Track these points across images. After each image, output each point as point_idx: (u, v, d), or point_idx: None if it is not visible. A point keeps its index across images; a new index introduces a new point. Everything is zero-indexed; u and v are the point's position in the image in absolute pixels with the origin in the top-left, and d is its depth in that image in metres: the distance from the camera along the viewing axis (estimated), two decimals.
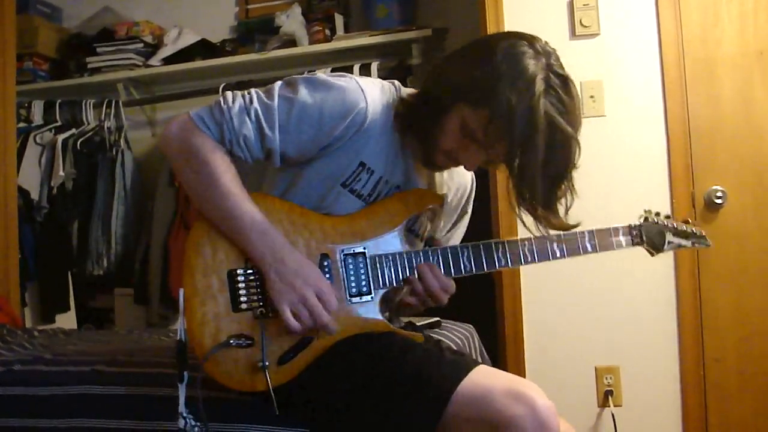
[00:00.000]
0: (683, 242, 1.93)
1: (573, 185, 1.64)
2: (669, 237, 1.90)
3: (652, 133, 3.08)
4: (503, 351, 3.13)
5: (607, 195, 3.06)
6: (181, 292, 1.56)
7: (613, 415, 3.04)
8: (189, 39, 4.14)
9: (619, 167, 3.09)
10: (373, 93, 1.69)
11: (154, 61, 4.15)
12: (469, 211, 2.05)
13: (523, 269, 3.11)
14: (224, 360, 1.58)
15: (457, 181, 1.97)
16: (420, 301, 1.75)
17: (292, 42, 3.93)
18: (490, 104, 1.54)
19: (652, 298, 3.06)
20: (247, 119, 1.63)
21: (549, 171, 1.57)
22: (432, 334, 2.20)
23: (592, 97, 3.11)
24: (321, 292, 1.59)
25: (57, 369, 1.98)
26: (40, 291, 4.04)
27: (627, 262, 2.95)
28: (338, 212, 1.73)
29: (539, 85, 1.54)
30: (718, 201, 3.04)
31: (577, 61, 3.12)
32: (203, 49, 4.13)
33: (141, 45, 4.19)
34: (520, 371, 3.06)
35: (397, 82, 1.81)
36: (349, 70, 3.72)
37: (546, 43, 1.66)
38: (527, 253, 1.78)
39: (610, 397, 3.06)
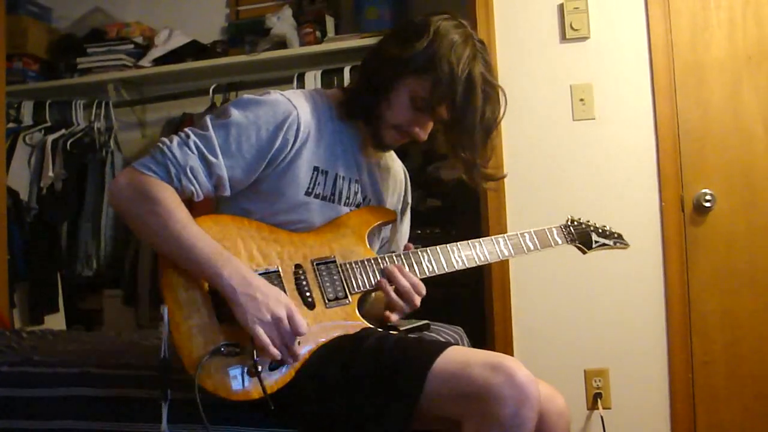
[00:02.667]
0: (606, 242, 2.18)
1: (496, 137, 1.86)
2: (594, 237, 2.15)
3: (642, 136, 3.09)
4: None
5: (597, 198, 3.07)
6: (165, 309, 1.56)
7: (602, 418, 3.05)
8: (179, 40, 4.13)
9: (608, 170, 3.10)
10: (299, 100, 1.79)
11: (145, 62, 4.14)
12: (410, 202, 2.20)
13: (513, 272, 3.12)
14: (216, 371, 1.58)
15: (394, 176, 2.11)
16: (394, 305, 1.80)
17: (282, 44, 3.93)
18: (433, 71, 1.74)
19: (641, 300, 3.07)
20: (188, 151, 1.66)
21: (485, 123, 1.77)
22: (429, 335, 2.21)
23: (582, 100, 3.12)
24: (291, 312, 1.59)
25: (45, 370, 1.98)
26: (29, 292, 4.02)
27: (616, 265, 2.96)
28: (312, 221, 1.82)
29: (470, 50, 1.77)
30: (707, 204, 3.05)
31: (567, 65, 3.15)
32: (194, 50, 4.12)
33: (131, 46, 4.18)
34: None
35: (319, 88, 1.92)
36: (339, 72, 3.73)
37: (459, 16, 1.88)
38: (479, 254, 1.93)
39: (599, 400, 3.07)
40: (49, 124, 4.19)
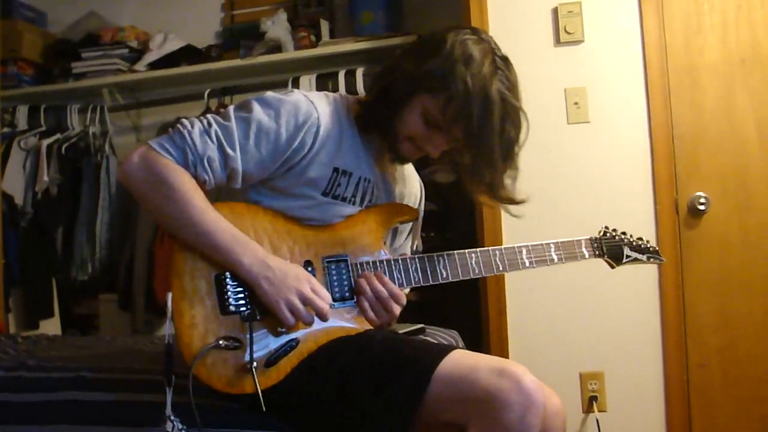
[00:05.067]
0: (639, 257, 2.07)
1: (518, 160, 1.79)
2: (627, 251, 2.05)
3: (636, 139, 3.10)
4: None
5: (592, 202, 3.08)
6: (169, 296, 1.56)
7: (597, 421, 3.05)
8: (174, 44, 4.14)
9: (603, 173, 3.11)
10: (321, 103, 1.78)
11: (140, 66, 4.14)
12: (422, 214, 2.14)
13: (508, 275, 3.11)
14: (213, 362, 1.58)
15: (409, 189, 2.08)
16: (364, 311, 1.77)
17: (277, 48, 3.93)
18: (447, 89, 1.69)
19: (636, 303, 3.08)
20: (209, 140, 1.66)
21: (503, 143, 1.71)
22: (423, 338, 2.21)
23: (576, 103, 3.12)
24: (313, 285, 1.63)
25: (41, 375, 1.97)
26: (23, 297, 4.02)
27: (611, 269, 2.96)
28: (328, 221, 1.79)
29: (488, 66, 1.71)
30: (702, 207, 3.06)
31: (561, 68, 3.15)
32: (188, 54, 4.12)
33: (126, 50, 4.18)
34: None
35: (343, 92, 1.88)
36: (334, 76, 3.73)
37: (484, 31, 1.85)
38: (498, 262, 1.88)
39: (594, 403, 3.07)
40: (44, 128, 4.19)
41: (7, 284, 3.76)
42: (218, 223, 1.62)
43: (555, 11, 3.16)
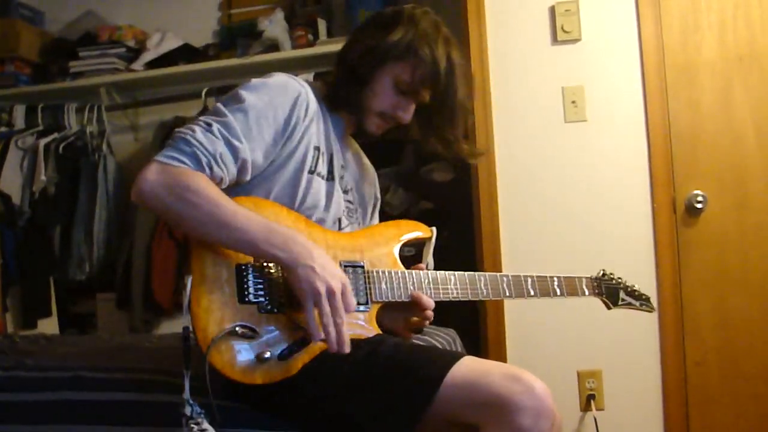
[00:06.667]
0: (633, 302, 2.22)
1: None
2: (622, 295, 2.18)
3: (633, 138, 3.10)
4: (485, 355, 3.13)
5: (589, 199, 3.08)
6: (188, 279, 1.55)
7: (595, 419, 3.06)
8: (172, 43, 4.13)
9: (600, 172, 3.11)
10: (301, 81, 1.85)
11: (137, 65, 4.13)
12: (380, 199, 2.24)
13: (505, 272, 3.11)
14: (227, 349, 1.56)
15: (368, 170, 2.16)
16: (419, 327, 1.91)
17: (274, 47, 3.93)
18: (415, 54, 1.83)
19: None
20: (214, 138, 1.65)
21: (464, 101, 1.90)
22: (413, 340, 2.21)
23: (573, 102, 3.13)
24: (345, 289, 1.59)
25: (38, 375, 1.97)
26: (21, 296, 4.02)
27: (608, 267, 2.96)
28: (312, 198, 1.82)
29: (442, 34, 1.87)
30: (699, 206, 3.06)
31: (558, 67, 3.15)
32: (186, 53, 4.12)
33: (124, 49, 4.17)
34: None
35: (308, 78, 1.96)
36: (331, 74, 3.72)
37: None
38: (505, 288, 1.96)
39: (592, 401, 3.08)
40: (41, 127, 4.18)
41: (4, 284, 3.76)
42: (250, 219, 1.60)
43: (552, 9, 3.16)
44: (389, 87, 1.86)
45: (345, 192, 1.97)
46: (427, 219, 3.48)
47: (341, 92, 1.90)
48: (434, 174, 3.55)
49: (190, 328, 1.53)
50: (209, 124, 1.67)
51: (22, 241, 4.01)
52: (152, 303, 3.89)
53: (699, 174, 3.10)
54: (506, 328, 3.14)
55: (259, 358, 1.58)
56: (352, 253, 1.80)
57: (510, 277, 1.97)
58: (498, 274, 1.97)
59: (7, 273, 3.88)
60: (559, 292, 2.03)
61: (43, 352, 2.42)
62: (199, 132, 1.65)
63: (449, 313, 2.91)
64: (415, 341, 1.85)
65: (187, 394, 1.48)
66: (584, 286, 2.11)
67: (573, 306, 3.08)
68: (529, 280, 1.99)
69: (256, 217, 1.62)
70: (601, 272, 2.18)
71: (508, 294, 1.95)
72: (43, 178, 3.97)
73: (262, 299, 1.63)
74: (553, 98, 3.15)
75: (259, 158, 1.72)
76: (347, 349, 1.58)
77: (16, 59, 4.22)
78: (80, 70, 4.18)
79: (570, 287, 2.08)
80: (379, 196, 2.21)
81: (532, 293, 1.99)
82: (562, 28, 3.15)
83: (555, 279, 2.04)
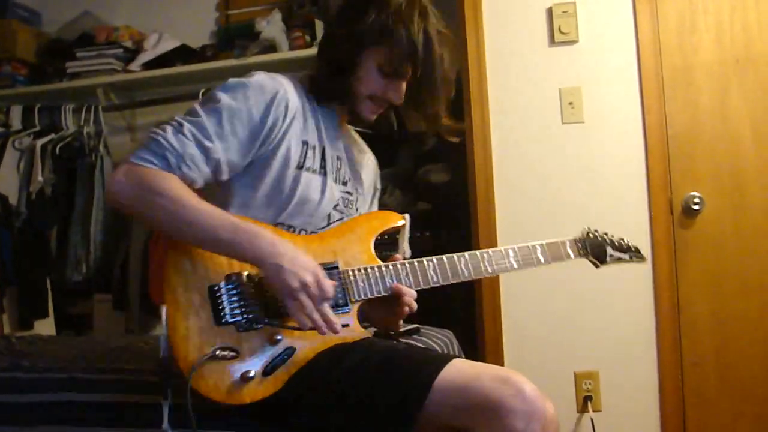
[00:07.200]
0: (623, 256, 2.13)
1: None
2: (609, 251, 2.11)
3: (631, 139, 3.10)
4: (482, 356, 3.13)
5: (586, 201, 3.08)
6: (164, 309, 1.56)
7: (592, 421, 3.06)
8: (169, 44, 4.12)
9: (597, 174, 3.11)
10: (283, 80, 1.85)
11: (134, 66, 4.13)
12: (380, 188, 2.22)
13: (503, 275, 3.11)
14: (210, 373, 1.57)
15: (367, 160, 2.15)
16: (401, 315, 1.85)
17: (272, 48, 3.92)
18: (390, 36, 1.81)
19: (630, 303, 3.08)
20: (184, 139, 1.66)
21: (446, 73, 1.86)
22: (410, 341, 2.21)
23: (570, 103, 3.13)
24: (317, 277, 1.60)
25: (35, 376, 1.97)
26: (18, 297, 4.00)
27: (605, 268, 2.96)
28: (301, 194, 1.82)
29: (417, 8, 1.84)
30: (696, 207, 3.06)
31: (555, 68, 3.16)
32: (183, 54, 4.11)
33: (121, 50, 4.17)
34: None
35: (294, 73, 1.95)
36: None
37: None
38: (486, 265, 1.90)
39: (589, 403, 3.08)
40: (38, 128, 4.17)
41: (1, 285, 3.75)
42: (216, 217, 1.62)
43: (549, 11, 3.17)
44: (374, 71, 1.85)
45: (343, 183, 1.97)
46: (425, 220, 3.49)
47: (327, 84, 1.90)
48: (431, 175, 3.55)
49: (168, 357, 1.53)
50: (181, 125, 1.68)
51: (18, 242, 4.00)
52: (149, 304, 3.88)
53: (696, 175, 3.10)
54: (503, 330, 3.14)
55: (244, 378, 1.58)
56: (323, 255, 1.77)
57: (490, 253, 1.91)
58: (478, 251, 1.91)
59: (4, 274, 3.87)
60: (543, 260, 1.96)
61: (40, 354, 2.42)
62: (170, 133, 1.67)
63: (446, 313, 2.91)
64: (405, 342, 1.82)
65: (165, 424, 1.48)
66: (568, 249, 2.03)
67: (571, 307, 3.10)
68: (510, 252, 1.93)
69: (222, 216, 1.63)
70: (585, 230, 2.10)
71: (490, 271, 1.90)
72: (40, 178, 3.96)
73: (239, 318, 1.63)
74: (551, 99, 3.15)
75: (234, 158, 1.72)
76: (339, 328, 1.61)
77: (13, 60, 4.21)
78: (77, 70, 4.17)
79: (554, 253, 2.00)
80: (379, 185, 2.21)
81: (515, 266, 1.92)
82: (559, 29, 3.15)
83: (537, 247, 1.97)
